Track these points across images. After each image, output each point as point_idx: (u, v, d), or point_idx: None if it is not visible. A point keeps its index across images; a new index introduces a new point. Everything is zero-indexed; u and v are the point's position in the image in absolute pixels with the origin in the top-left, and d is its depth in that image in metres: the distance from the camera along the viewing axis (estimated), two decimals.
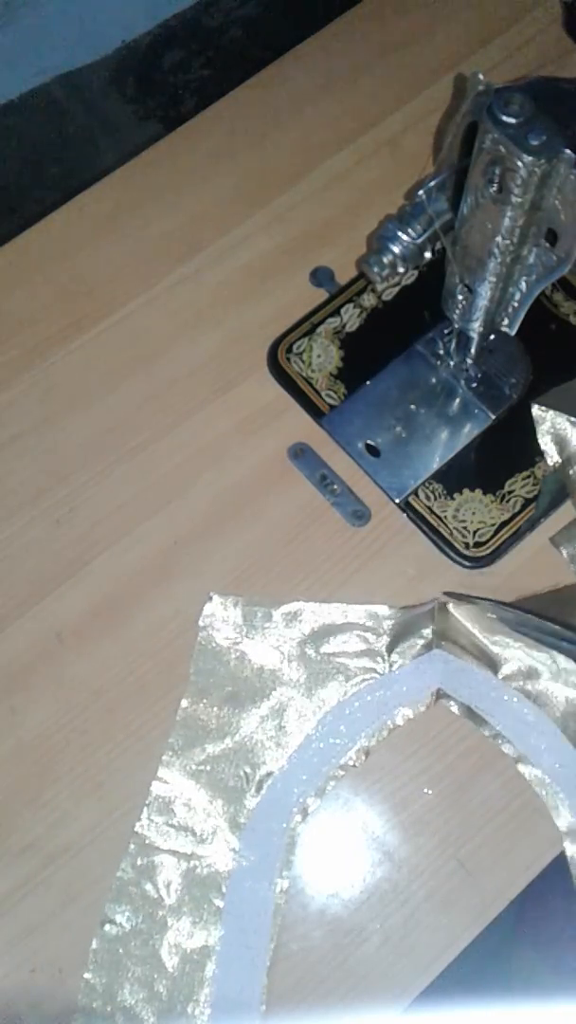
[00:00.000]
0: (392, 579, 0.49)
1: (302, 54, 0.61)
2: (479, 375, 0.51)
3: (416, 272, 0.54)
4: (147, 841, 0.44)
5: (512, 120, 0.33)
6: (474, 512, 0.49)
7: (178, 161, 0.59)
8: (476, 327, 0.45)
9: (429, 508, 0.49)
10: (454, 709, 0.46)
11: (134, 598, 0.49)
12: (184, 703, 0.47)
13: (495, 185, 0.35)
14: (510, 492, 0.49)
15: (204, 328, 0.55)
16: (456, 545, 0.49)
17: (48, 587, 0.50)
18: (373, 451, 0.51)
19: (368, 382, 0.52)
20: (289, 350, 0.53)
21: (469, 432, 0.51)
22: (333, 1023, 0.42)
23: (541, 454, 0.50)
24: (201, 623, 0.48)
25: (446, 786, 0.45)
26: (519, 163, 0.33)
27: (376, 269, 0.41)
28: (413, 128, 0.59)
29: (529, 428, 0.51)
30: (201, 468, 0.52)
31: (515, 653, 0.46)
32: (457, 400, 0.52)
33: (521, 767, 0.45)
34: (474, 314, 0.44)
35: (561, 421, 0.46)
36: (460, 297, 0.44)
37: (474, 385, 0.52)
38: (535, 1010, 0.37)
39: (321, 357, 0.53)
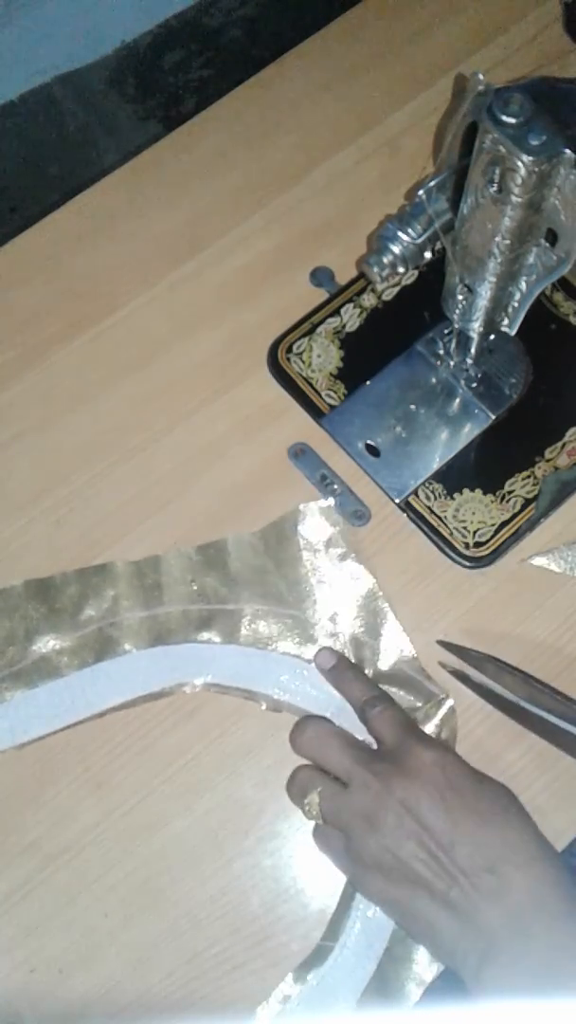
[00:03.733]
0: (392, 579, 0.48)
1: (302, 54, 0.61)
2: (479, 375, 0.51)
3: (416, 272, 0.54)
4: None
5: (512, 120, 0.33)
6: (474, 512, 0.49)
7: (178, 161, 0.59)
8: (476, 327, 0.45)
9: (429, 508, 0.49)
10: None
11: None
12: None
13: (495, 185, 0.35)
14: (510, 492, 0.49)
15: (204, 328, 0.55)
16: (456, 545, 0.49)
17: None
18: (373, 451, 0.51)
19: (368, 382, 0.52)
20: (289, 350, 0.53)
21: (469, 432, 0.51)
22: (334, 1023, 0.42)
23: (541, 454, 0.50)
24: None
25: None
26: (519, 163, 0.33)
27: (376, 269, 0.41)
28: (413, 128, 0.59)
29: (529, 428, 0.51)
30: (201, 468, 0.52)
31: None
32: (457, 400, 0.52)
33: None
34: (474, 314, 0.44)
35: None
36: (460, 297, 0.44)
37: (474, 385, 0.52)
38: (535, 1010, 0.37)
39: (321, 357, 0.53)
